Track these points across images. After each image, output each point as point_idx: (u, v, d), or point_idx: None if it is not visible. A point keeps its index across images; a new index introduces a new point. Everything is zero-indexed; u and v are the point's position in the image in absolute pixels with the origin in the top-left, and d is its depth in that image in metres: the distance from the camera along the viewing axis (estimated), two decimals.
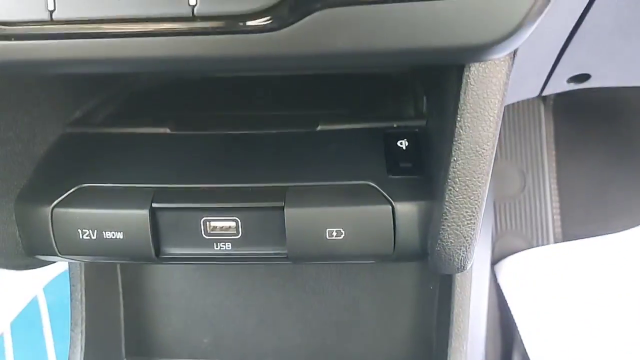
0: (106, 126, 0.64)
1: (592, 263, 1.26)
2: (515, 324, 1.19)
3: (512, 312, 1.20)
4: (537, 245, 1.33)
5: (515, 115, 1.36)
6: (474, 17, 0.37)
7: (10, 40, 0.41)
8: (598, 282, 1.22)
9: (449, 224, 0.48)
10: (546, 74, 0.72)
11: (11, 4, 0.40)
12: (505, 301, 1.23)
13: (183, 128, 0.62)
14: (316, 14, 0.38)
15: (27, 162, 0.59)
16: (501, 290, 1.25)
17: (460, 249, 0.50)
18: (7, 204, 0.56)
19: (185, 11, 0.39)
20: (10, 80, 0.55)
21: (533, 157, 1.36)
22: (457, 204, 0.47)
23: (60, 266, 1.34)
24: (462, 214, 0.48)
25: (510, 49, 0.40)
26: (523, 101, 1.36)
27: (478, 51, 0.39)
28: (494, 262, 1.31)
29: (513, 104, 1.34)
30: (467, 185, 0.46)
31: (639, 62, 0.72)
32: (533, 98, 1.36)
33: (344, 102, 0.69)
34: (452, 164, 0.45)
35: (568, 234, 1.33)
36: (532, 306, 1.21)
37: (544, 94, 0.80)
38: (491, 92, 0.43)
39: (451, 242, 0.49)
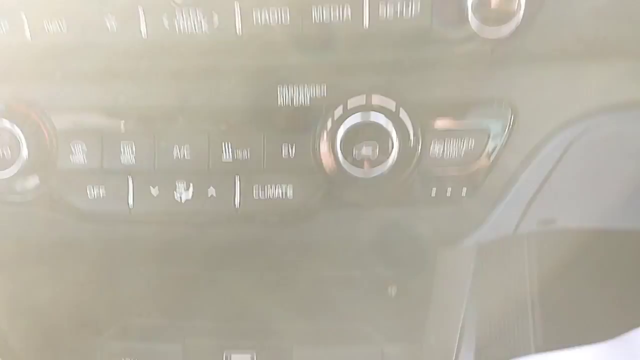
0: None
1: None
2: None
3: None
4: (518, 356, 1.32)
5: None
6: None
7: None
8: None
9: None
10: (519, 216, 0.76)
11: None
12: None
13: None
14: None
15: None
16: None
17: None
18: None
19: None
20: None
21: None
22: None
23: None
24: None
25: None
26: None
27: None
28: None
29: None
30: None
31: (605, 204, 0.76)
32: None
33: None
34: None
35: (550, 346, 1.32)
36: None
37: (518, 231, 0.83)
38: None
39: None
